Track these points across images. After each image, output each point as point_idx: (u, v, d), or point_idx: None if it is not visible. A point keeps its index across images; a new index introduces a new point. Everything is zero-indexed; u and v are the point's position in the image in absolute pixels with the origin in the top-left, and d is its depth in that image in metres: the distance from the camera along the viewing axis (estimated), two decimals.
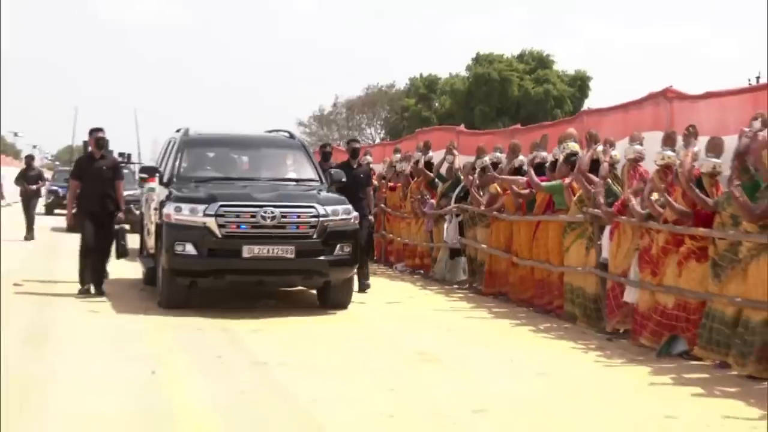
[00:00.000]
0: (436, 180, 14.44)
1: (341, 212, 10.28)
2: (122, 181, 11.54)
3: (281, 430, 5.70)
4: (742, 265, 7.28)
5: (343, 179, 11.48)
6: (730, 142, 7.87)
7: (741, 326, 7.22)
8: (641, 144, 9.15)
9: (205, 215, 9.83)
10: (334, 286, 10.45)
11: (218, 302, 10.50)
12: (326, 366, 7.51)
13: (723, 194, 7.69)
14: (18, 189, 21.11)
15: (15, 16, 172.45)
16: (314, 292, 10.96)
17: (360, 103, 61.43)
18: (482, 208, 12.03)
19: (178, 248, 9.83)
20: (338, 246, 10.10)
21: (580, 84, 52.03)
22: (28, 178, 20.50)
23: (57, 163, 68.27)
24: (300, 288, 11.17)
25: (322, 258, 10.03)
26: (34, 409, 5.99)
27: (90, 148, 11.69)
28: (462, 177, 13.17)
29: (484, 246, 12.07)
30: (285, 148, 11.98)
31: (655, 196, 8.32)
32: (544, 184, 10.45)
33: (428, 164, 14.81)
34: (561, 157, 10.27)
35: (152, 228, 11.24)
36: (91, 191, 11.17)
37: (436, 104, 54.72)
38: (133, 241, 12.40)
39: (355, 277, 10.96)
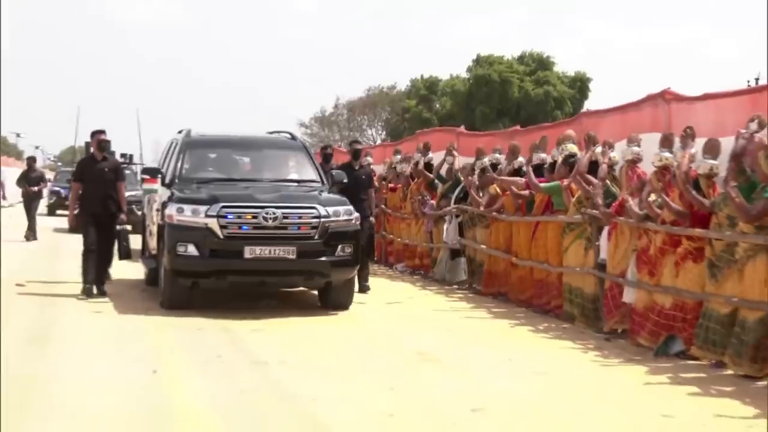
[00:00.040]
0: (436, 181, 14.51)
1: (342, 213, 10.32)
2: (124, 182, 11.61)
3: (281, 428, 5.75)
4: (738, 265, 7.34)
5: (345, 180, 11.55)
6: (728, 144, 7.92)
7: (738, 326, 7.28)
8: (639, 145, 9.22)
9: (207, 216, 9.87)
10: (335, 287, 10.49)
11: (220, 302, 10.54)
12: (326, 365, 7.57)
13: (720, 195, 7.76)
14: (20, 190, 21.19)
15: (16, 17, 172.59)
16: (315, 292, 11.00)
17: (361, 105, 61.55)
18: (481, 208, 12.10)
19: (180, 249, 9.88)
20: (339, 247, 10.15)
21: (580, 85, 52.16)
22: (30, 179, 20.56)
23: (59, 163, 68.31)
24: (301, 288, 11.21)
25: (323, 259, 10.08)
26: (36, 407, 6.04)
27: (92, 150, 11.75)
28: (462, 178, 13.24)
29: (483, 246, 12.14)
30: (286, 149, 12.02)
31: (652, 197, 8.39)
32: (542, 185, 10.51)
33: (428, 165, 14.88)
34: (560, 159, 10.33)
35: (154, 229, 11.28)
36: (93, 193, 11.22)
37: (437, 105, 54.82)
38: (135, 241, 12.45)
39: (356, 278, 11.02)
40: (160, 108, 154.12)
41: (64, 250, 16.56)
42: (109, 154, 12.01)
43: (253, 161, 11.80)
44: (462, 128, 17.57)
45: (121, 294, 11.24)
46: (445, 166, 14.31)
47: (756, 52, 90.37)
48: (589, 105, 46.32)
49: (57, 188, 29.28)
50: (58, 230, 21.77)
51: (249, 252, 9.83)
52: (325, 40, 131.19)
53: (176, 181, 10.95)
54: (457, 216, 13.17)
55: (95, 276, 11.09)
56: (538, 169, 10.87)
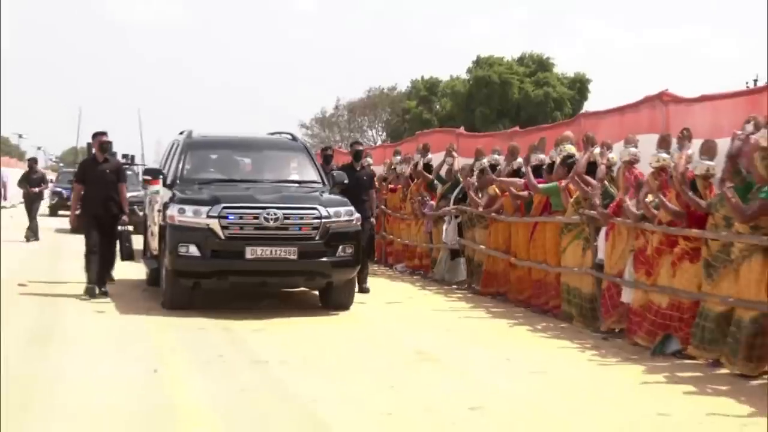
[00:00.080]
0: (436, 182, 14.58)
1: (343, 214, 10.37)
2: (125, 183, 11.63)
3: (282, 427, 5.80)
4: (734, 265, 7.41)
5: (345, 181, 11.61)
6: (724, 145, 7.96)
7: (734, 325, 7.35)
8: (636, 146, 9.28)
9: (209, 217, 9.92)
10: (336, 287, 10.53)
11: (221, 303, 10.59)
12: (327, 365, 7.63)
13: (716, 196, 7.82)
14: (21, 191, 21.26)
15: (18, 18, 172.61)
16: (316, 293, 11.05)
17: (361, 106, 61.67)
18: (480, 209, 12.18)
19: (182, 249, 9.92)
20: (340, 247, 10.19)
21: (579, 86, 52.29)
22: (31, 180, 20.63)
23: (61, 164, 68.38)
24: (302, 289, 11.26)
25: (324, 259, 10.13)
26: (37, 406, 6.09)
27: (94, 151, 11.79)
28: (461, 179, 13.31)
29: (482, 247, 12.20)
30: (287, 150, 12.06)
31: (649, 197, 8.46)
32: (540, 186, 10.58)
33: (427, 166, 14.95)
34: (558, 160, 10.40)
35: (156, 229, 11.31)
36: (95, 194, 11.27)
37: (437, 106, 54.94)
38: (136, 242, 12.50)
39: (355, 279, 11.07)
40: (161, 108, 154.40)
41: (65, 250, 16.62)
42: (110, 155, 12.03)
43: (254, 162, 11.83)
44: (461, 129, 17.64)
45: (122, 294, 11.30)
46: (445, 167, 14.38)
47: (755, 53, 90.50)
48: (589, 106, 46.46)
49: (59, 189, 29.37)
50: (59, 231, 21.83)
51: (250, 252, 9.87)
52: (326, 41, 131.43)
53: (178, 182, 10.99)
54: (456, 216, 13.23)
55: (97, 277, 11.15)
56: (537, 170, 10.94)
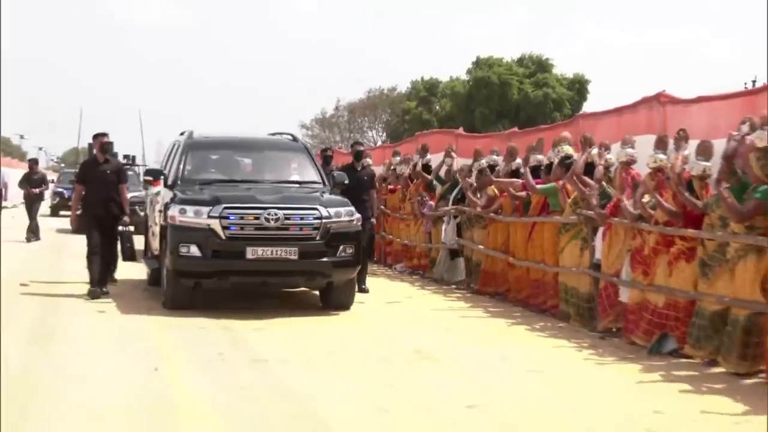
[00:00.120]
0: (435, 182, 14.66)
1: (344, 214, 10.41)
2: (126, 184, 11.65)
3: (281, 424, 5.85)
4: (729, 265, 7.48)
5: (346, 182, 11.66)
6: (721, 146, 8.02)
7: (729, 324, 7.42)
8: (633, 147, 9.36)
9: (210, 217, 9.96)
10: (336, 287, 10.57)
11: (222, 302, 10.64)
12: (326, 363, 7.69)
13: (712, 196, 7.90)
14: (22, 192, 21.34)
15: (19, 18, 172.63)
16: (317, 293, 11.09)
17: (361, 106, 61.75)
18: (478, 209, 12.25)
19: (183, 250, 9.96)
20: (341, 247, 10.24)
21: (578, 87, 52.39)
22: (32, 181, 20.70)
23: (62, 165, 68.45)
24: (303, 289, 11.30)
25: (325, 259, 10.17)
26: (40, 404, 6.15)
27: (94, 152, 11.82)
28: (460, 179, 13.38)
29: (481, 247, 12.28)
30: (288, 150, 12.10)
31: (646, 197, 8.54)
32: (538, 186, 10.65)
33: (426, 167, 15.03)
34: (556, 160, 10.47)
35: (157, 230, 11.35)
36: (96, 195, 11.31)
37: (437, 107, 55.04)
38: (137, 242, 12.55)
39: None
40: (162, 109, 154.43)
41: (66, 250, 16.67)
42: (111, 156, 12.07)
43: (255, 163, 11.87)
44: (460, 130, 17.72)
45: (123, 294, 11.35)
46: (444, 168, 14.45)
47: (755, 54, 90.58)
48: (588, 107, 46.56)
49: (60, 189, 29.45)
50: (60, 231, 21.91)
51: (251, 253, 9.92)
52: (326, 42, 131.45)
53: (179, 182, 11.03)
54: (455, 217, 13.30)
55: (99, 277, 11.19)
56: (535, 171, 11.01)
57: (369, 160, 16.18)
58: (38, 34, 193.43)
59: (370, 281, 12.56)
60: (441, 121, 48.70)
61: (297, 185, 11.32)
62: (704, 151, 8.18)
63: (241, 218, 10.00)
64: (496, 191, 11.97)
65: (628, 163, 9.24)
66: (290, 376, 7.13)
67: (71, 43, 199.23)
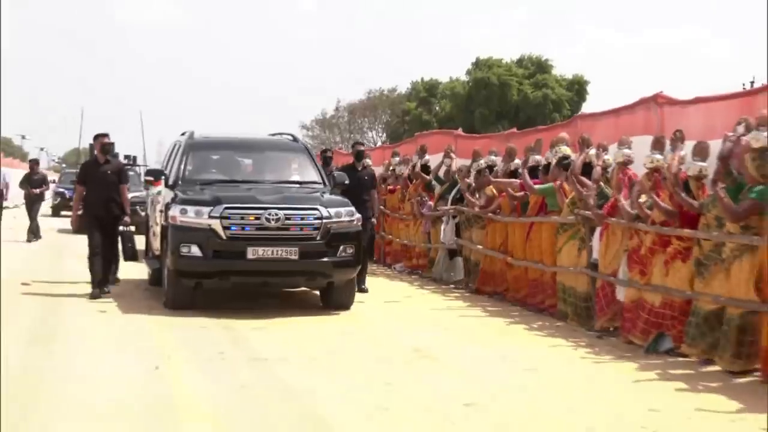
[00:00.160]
0: (434, 182, 14.73)
1: (344, 214, 10.45)
2: (127, 185, 11.68)
3: (281, 422, 5.89)
4: (725, 264, 7.56)
5: (346, 182, 11.71)
6: (718, 146, 8.09)
7: (725, 323, 7.50)
8: (629, 147, 9.43)
9: (210, 217, 10.00)
10: (337, 287, 10.60)
11: (222, 302, 10.68)
12: (325, 362, 7.75)
13: (708, 197, 7.97)
14: (23, 192, 21.41)
15: (20, 19, 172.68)
16: (317, 292, 11.13)
17: (361, 107, 61.81)
18: (476, 209, 12.33)
19: (184, 250, 10.00)
20: (341, 247, 10.28)
21: (578, 88, 52.46)
22: (32, 181, 20.77)
23: (64, 165, 68.51)
24: (303, 288, 11.35)
25: (325, 259, 10.21)
26: (41, 402, 6.20)
27: (95, 153, 11.87)
28: (459, 179, 13.45)
29: (479, 247, 12.34)
30: (288, 151, 12.13)
31: (643, 197, 8.61)
32: (536, 186, 10.72)
33: (424, 167, 15.10)
34: (553, 161, 10.54)
35: (158, 230, 11.38)
36: (96, 195, 11.35)
37: (437, 108, 55.09)
38: (138, 242, 12.61)
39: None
40: (163, 109, 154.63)
41: (67, 250, 16.74)
42: (112, 156, 12.10)
43: (256, 163, 11.90)
44: (459, 131, 17.80)
45: (125, 294, 11.39)
46: (443, 168, 14.52)
47: (754, 54, 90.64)
48: (587, 108, 46.57)
49: (61, 189, 29.50)
50: (62, 231, 21.97)
51: (252, 253, 9.95)
52: (326, 42, 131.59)
53: (179, 182, 11.07)
54: (454, 217, 13.37)
55: (100, 278, 11.25)
56: (533, 171, 11.08)
57: (368, 161, 16.28)
58: (39, 34, 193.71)
59: (369, 281, 12.60)
60: (441, 121, 48.78)
61: (297, 185, 11.36)
62: (700, 151, 8.25)
63: (242, 218, 10.04)
64: (494, 191, 12.04)
65: (624, 164, 9.31)
66: (290, 375, 7.18)
67: (72, 44, 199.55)
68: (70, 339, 8.55)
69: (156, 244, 11.64)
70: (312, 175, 11.62)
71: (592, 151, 9.96)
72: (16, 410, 5.90)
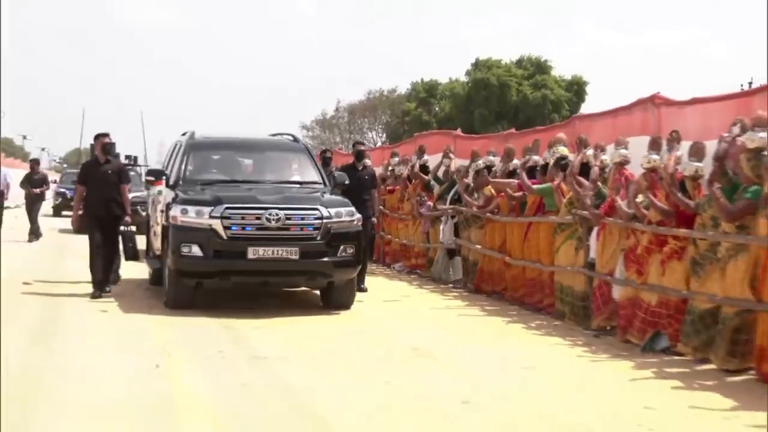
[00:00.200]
0: (433, 182, 14.79)
1: (344, 214, 10.48)
2: (128, 184, 11.70)
3: (280, 420, 5.94)
4: (721, 263, 7.62)
5: (346, 182, 11.76)
6: (714, 147, 8.12)
7: (720, 322, 7.56)
8: (626, 148, 9.49)
9: (211, 217, 10.03)
10: (337, 287, 10.63)
11: (223, 302, 10.72)
12: (325, 360, 7.80)
13: (704, 197, 8.03)
14: (23, 192, 21.46)
15: (21, 19, 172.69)
16: (317, 292, 11.16)
17: (361, 108, 61.86)
18: (475, 209, 12.39)
19: (185, 250, 10.03)
20: (341, 247, 10.31)
21: (576, 89, 52.52)
22: (33, 181, 20.82)
23: (65, 165, 68.57)
24: (303, 288, 11.39)
25: (325, 259, 10.24)
26: (42, 401, 6.24)
27: (96, 153, 11.90)
28: (457, 180, 13.51)
29: (478, 246, 12.40)
30: (289, 151, 12.17)
31: (639, 197, 8.68)
32: (534, 186, 10.77)
33: (423, 167, 15.16)
34: (551, 161, 10.60)
35: (158, 230, 11.42)
36: (97, 195, 11.38)
37: (436, 108, 55.13)
38: (139, 242, 12.65)
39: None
40: (164, 109, 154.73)
41: (68, 250, 16.79)
42: (113, 156, 12.10)
43: (256, 163, 11.93)
44: (458, 131, 17.86)
45: (125, 293, 11.43)
46: (442, 168, 14.59)
47: (753, 55, 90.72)
48: (586, 108, 46.61)
49: (62, 189, 29.53)
50: (63, 231, 22.00)
51: (252, 253, 9.99)
52: (326, 43, 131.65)
53: (180, 182, 11.11)
54: (452, 217, 13.43)
55: (101, 278, 11.29)
56: (531, 171, 11.14)
57: (367, 161, 16.34)
58: (40, 34, 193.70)
59: (368, 280, 12.63)
60: (440, 122, 48.84)
61: (298, 185, 11.39)
62: (697, 152, 8.31)
63: (243, 218, 10.08)
64: (493, 191, 12.10)
65: (621, 164, 9.37)
66: (290, 374, 7.22)
67: (73, 44, 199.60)
68: (70, 338, 8.59)
69: (157, 243, 11.66)
70: (312, 175, 11.66)
71: (590, 152, 10.03)
72: (16, 410, 5.93)
